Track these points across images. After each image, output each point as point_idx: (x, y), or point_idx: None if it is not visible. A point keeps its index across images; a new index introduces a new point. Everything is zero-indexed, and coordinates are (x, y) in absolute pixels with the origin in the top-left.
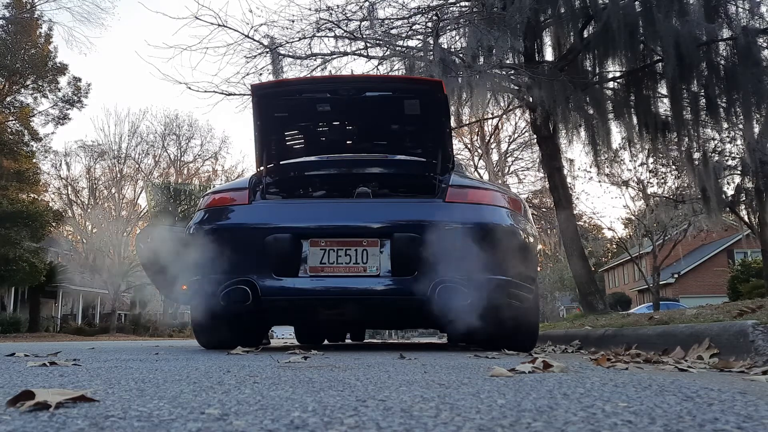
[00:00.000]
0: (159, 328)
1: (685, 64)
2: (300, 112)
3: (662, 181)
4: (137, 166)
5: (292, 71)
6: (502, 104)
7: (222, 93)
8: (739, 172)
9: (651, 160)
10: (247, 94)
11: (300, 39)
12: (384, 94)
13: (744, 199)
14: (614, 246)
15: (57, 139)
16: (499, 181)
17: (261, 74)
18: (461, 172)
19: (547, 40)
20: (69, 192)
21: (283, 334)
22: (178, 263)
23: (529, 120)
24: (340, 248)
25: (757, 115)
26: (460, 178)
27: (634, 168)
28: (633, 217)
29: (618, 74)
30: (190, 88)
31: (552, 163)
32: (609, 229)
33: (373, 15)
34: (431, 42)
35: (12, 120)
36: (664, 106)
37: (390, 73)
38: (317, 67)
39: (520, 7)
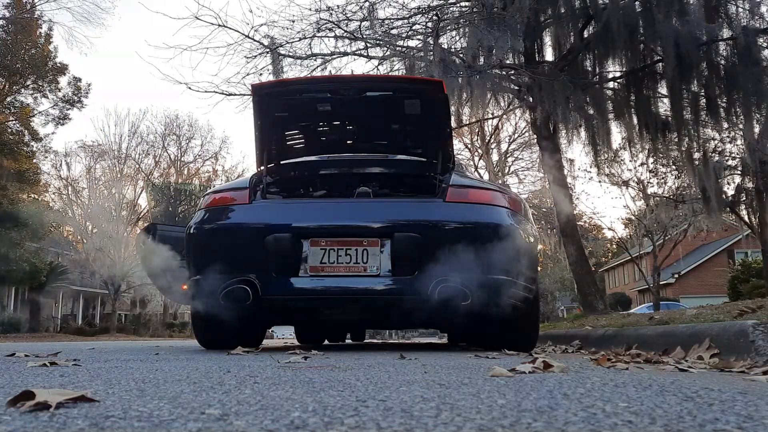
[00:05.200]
0: (159, 328)
1: (685, 64)
2: (300, 111)
3: (662, 181)
4: (137, 166)
5: (293, 71)
6: (502, 104)
7: (222, 93)
8: (739, 172)
9: (651, 160)
10: (248, 94)
11: (300, 39)
12: (384, 93)
13: (744, 199)
14: (614, 246)
15: (57, 140)
16: (499, 181)
17: (261, 74)
18: (461, 172)
19: (547, 40)
20: (69, 192)
21: (283, 334)
22: (179, 263)
23: (529, 120)
24: (340, 248)
25: (757, 115)
26: (461, 178)
27: (634, 168)
28: (633, 217)
29: (618, 74)
30: (190, 88)
31: (552, 163)
32: (609, 229)
33: (373, 15)
34: (431, 42)
35: (12, 120)
36: (664, 106)
37: (390, 73)
38: (317, 67)
39: (520, 7)
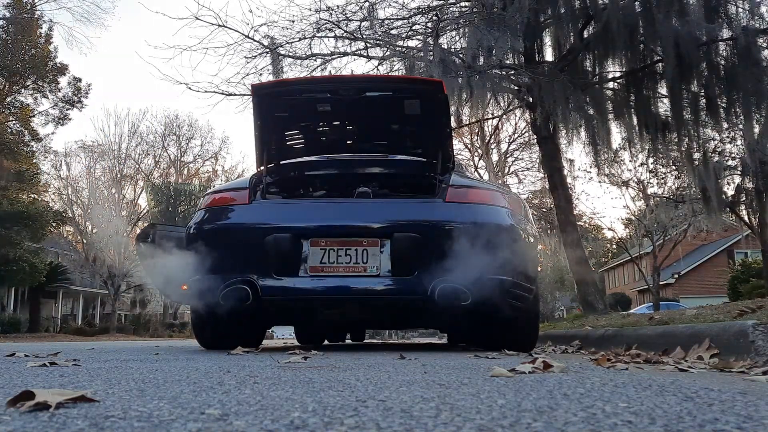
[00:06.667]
0: (159, 328)
1: (685, 64)
2: (300, 111)
3: (662, 181)
4: (137, 166)
5: (292, 71)
6: (502, 104)
7: (222, 93)
8: (739, 172)
9: (651, 160)
10: (248, 94)
11: (300, 39)
12: (384, 94)
13: (744, 199)
14: (614, 246)
15: (57, 140)
16: (499, 181)
17: (261, 74)
18: (461, 172)
19: (547, 41)
20: (69, 192)
21: (283, 334)
22: (179, 263)
23: (529, 120)
24: (340, 248)
25: (757, 115)
26: (461, 178)
27: (634, 168)
28: (633, 218)
29: (618, 74)
30: (190, 88)
31: (552, 163)
32: (609, 229)
33: (373, 15)
34: (431, 42)
35: (12, 120)
36: (664, 106)
37: (390, 73)
38: (317, 67)
39: (520, 7)
